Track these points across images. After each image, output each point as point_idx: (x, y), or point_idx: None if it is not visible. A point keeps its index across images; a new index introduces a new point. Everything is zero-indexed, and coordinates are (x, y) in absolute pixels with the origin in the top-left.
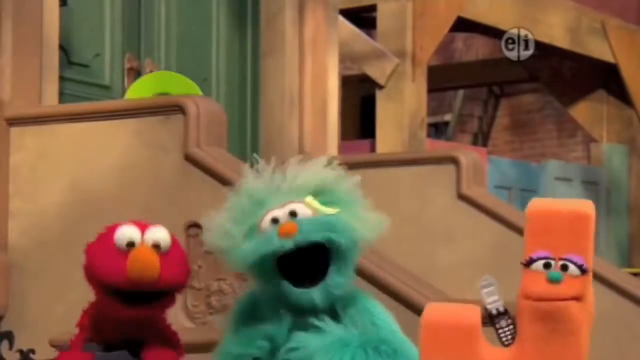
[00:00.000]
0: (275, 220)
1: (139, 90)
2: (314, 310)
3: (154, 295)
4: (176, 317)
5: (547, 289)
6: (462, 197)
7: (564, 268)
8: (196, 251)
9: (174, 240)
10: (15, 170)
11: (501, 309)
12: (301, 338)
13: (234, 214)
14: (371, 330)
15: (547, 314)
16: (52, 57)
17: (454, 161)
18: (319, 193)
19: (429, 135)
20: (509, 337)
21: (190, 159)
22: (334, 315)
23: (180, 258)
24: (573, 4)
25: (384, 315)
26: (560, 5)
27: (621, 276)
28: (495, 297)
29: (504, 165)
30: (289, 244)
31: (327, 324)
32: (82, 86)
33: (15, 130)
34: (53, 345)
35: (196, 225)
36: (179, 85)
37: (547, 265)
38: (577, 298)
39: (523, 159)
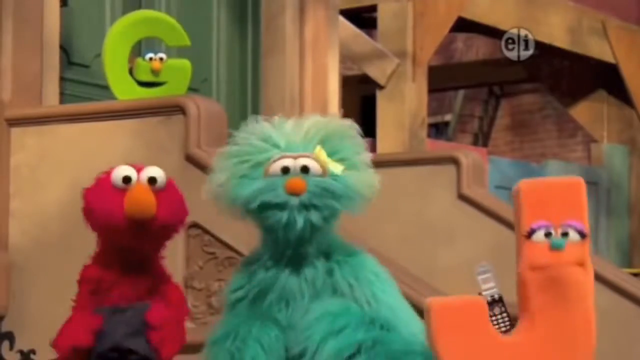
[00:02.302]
0: (285, 170)
1: (120, 37)
2: (307, 261)
3: (153, 234)
4: None
5: (551, 257)
6: (462, 197)
7: (565, 235)
8: (197, 251)
9: (170, 182)
10: (16, 171)
11: (496, 297)
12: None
13: (240, 150)
14: (368, 303)
15: (553, 283)
16: (53, 58)
17: (455, 161)
18: (327, 140)
19: (429, 136)
20: (502, 325)
21: (190, 159)
22: (332, 277)
23: (176, 196)
24: (573, 4)
25: (385, 286)
26: (561, 6)
27: (621, 276)
28: (491, 284)
29: (504, 165)
30: (294, 201)
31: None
32: (83, 86)
33: (15, 131)
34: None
35: (196, 226)
36: (164, 27)
37: (548, 234)
38: (580, 263)
39: (523, 159)
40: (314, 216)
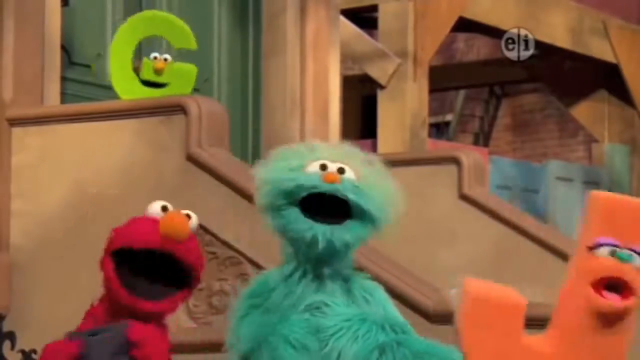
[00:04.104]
0: (323, 167)
1: (126, 35)
2: (324, 273)
3: (176, 273)
4: (178, 317)
5: (615, 265)
6: (463, 197)
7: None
8: None
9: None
10: (17, 171)
11: None
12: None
13: (285, 154)
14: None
15: (609, 311)
16: (54, 57)
17: (456, 161)
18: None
19: (430, 136)
20: None
21: (192, 159)
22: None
23: (199, 248)
24: (575, 4)
25: (394, 309)
26: (562, 5)
27: None
28: None
29: (505, 165)
30: (328, 187)
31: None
32: (84, 86)
33: (17, 131)
34: None
35: (197, 226)
36: (170, 28)
37: (612, 253)
38: (636, 292)
39: (524, 159)
40: (339, 232)
